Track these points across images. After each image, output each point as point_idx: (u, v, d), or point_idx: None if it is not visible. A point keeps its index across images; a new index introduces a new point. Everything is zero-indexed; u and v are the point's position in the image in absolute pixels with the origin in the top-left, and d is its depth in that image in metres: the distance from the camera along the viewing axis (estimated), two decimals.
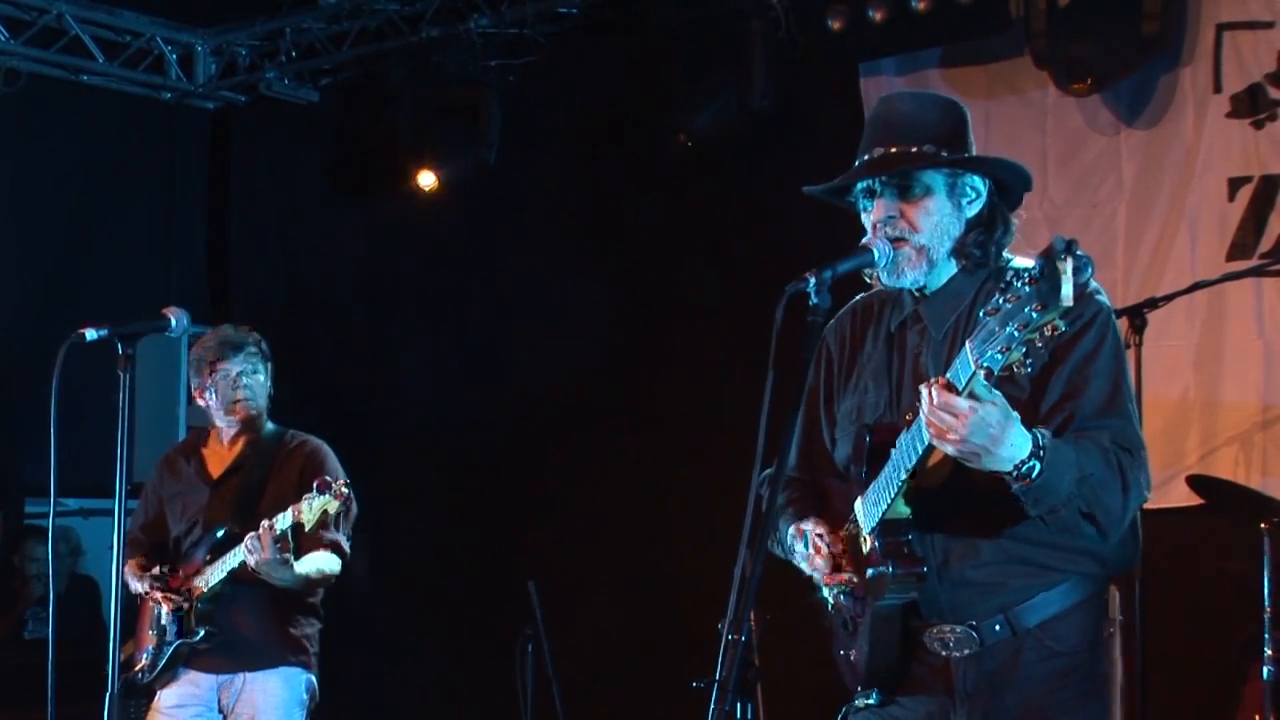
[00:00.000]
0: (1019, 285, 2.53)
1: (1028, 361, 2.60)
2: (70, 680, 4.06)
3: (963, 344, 2.68)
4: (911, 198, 3.08)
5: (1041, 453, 2.80)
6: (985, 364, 2.59)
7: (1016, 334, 2.53)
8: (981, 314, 2.61)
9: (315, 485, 4.77)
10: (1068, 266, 2.47)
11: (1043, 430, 2.84)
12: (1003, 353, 2.56)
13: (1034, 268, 2.51)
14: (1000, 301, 2.56)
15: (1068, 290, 2.47)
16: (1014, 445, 2.78)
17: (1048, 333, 2.53)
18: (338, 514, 4.95)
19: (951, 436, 2.74)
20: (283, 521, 4.80)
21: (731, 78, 6.65)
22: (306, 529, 4.81)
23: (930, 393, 2.74)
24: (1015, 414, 2.78)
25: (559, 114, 7.67)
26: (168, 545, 5.26)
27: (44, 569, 7.74)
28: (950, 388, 2.73)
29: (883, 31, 6.28)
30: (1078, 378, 2.98)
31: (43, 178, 8.02)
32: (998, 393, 2.75)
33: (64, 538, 7.72)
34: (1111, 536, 2.96)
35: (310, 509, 4.75)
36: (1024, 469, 2.80)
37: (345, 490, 4.79)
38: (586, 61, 7.46)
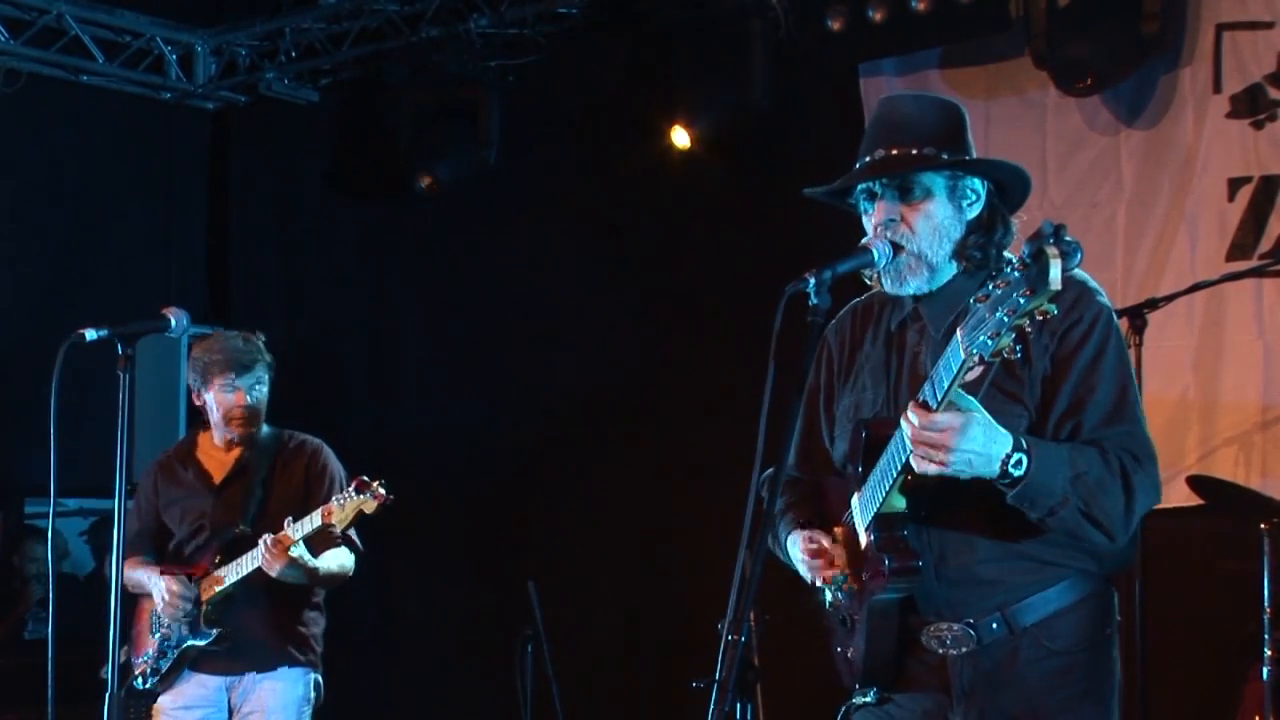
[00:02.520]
0: (1008, 271, 2.54)
1: (1017, 347, 2.62)
2: (70, 680, 4.06)
3: None
4: (912, 200, 3.08)
5: (1025, 445, 2.83)
6: (975, 350, 2.60)
7: (1006, 319, 2.54)
8: (972, 301, 2.62)
9: (354, 485, 4.75)
10: (1055, 251, 2.48)
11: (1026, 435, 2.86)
12: (992, 338, 2.57)
13: (1023, 253, 2.52)
14: (990, 288, 2.57)
15: (1055, 274, 2.48)
16: (999, 443, 2.81)
17: (1038, 317, 2.54)
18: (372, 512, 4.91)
19: (942, 450, 2.77)
20: (305, 527, 4.79)
21: (731, 78, 6.64)
22: (340, 529, 4.82)
23: (909, 418, 2.77)
24: (989, 418, 2.80)
25: (559, 114, 7.67)
26: (165, 551, 5.24)
27: (43, 569, 7.73)
28: (925, 407, 2.75)
29: (882, 32, 6.28)
30: (1082, 387, 2.99)
31: (42, 178, 8.02)
32: (975, 400, 2.77)
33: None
34: (1119, 539, 2.96)
35: (343, 508, 4.73)
36: (1011, 463, 2.82)
37: (383, 491, 4.76)
38: (586, 61, 7.46)
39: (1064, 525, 2.91)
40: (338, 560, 5.05)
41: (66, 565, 7.93)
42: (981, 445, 2.79)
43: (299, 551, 4.84)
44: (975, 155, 3.17)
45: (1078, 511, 2.89)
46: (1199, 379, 5.93)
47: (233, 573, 4.97)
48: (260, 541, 4.84)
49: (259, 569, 4.88)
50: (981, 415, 2.79)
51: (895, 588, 3.02)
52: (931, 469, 2.82)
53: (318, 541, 4.98)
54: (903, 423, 2.81)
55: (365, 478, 4.79)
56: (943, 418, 2.75)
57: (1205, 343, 5.92)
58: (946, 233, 3.09)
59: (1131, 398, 3.03)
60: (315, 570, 4.94)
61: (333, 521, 4.75)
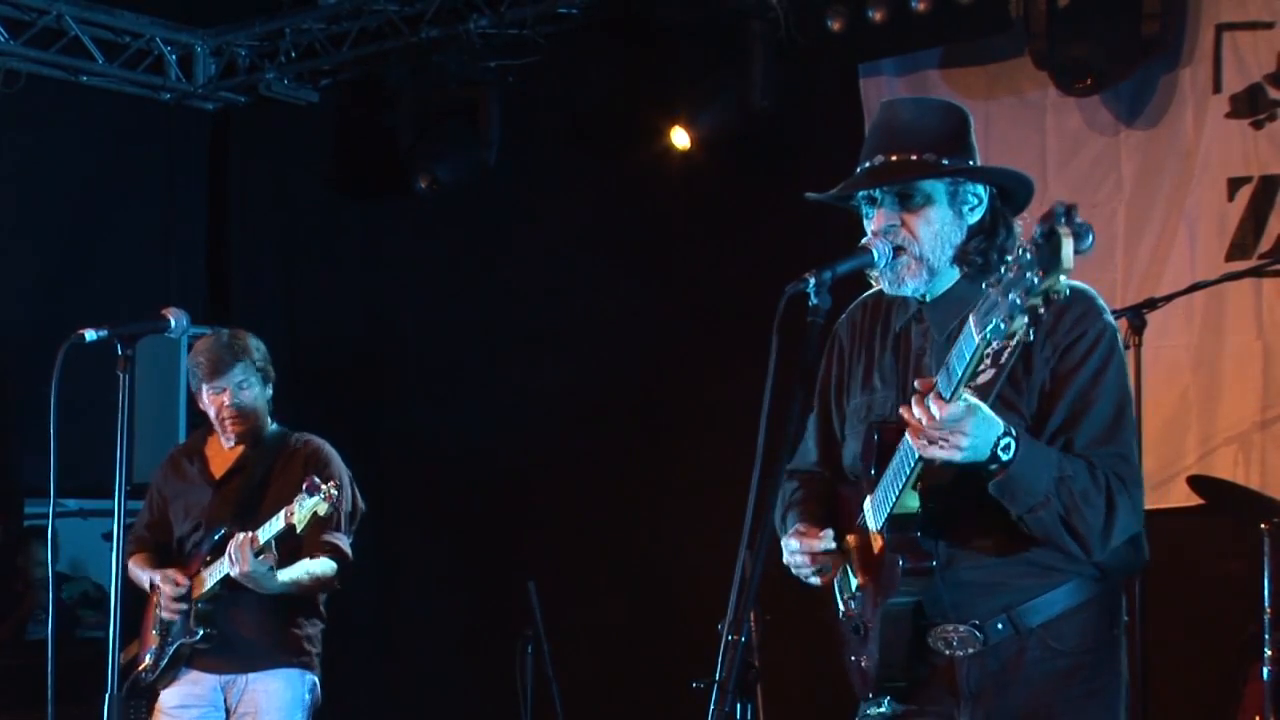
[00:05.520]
0: (1021, 253, 2.54)
1: (1030, 331, 2.60)
2: (70, 680, 4.07)
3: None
4: (912, 206, 3.09)
5: (1015, 431, 2.84)
6: (989, 335, 2.60)
7: (1019, 301, 2.53)
8: (984, 286, 2.62)
9: (305, 487, 4.75)
10: (1067, 230, 2.48)
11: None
12: (1005, 321, 2.56)
13: (1035, 233, 2.52)
14: (1002, 272, 2.57)
15: (1068, 253, 2.48)
16: (991, 427, 2.82)
17: (1052, 298, 2.53)
18: (330, 515, 4.92)
19: (948, 448, 2.78)
20: (270, 528, 4.79)
21: (731, 78, 6.64)
22: (299, 530, 4.80)
23: (928, 409, 2.77)
24: (985, 408, 2.82)
25: (559, 114, 7.67)
26: (172, 545, 5.26)
27: (47, 572, 7.74)
28: (941, 398, 2.76)
29: (882, 32, 6.28)
30: (1079, 403, 2.99)
31: (43, 178, 8.01)
32: (968, 394, 2.78)
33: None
34: (1094, 554, 2.97)
35: (301, 511, 4.73)
36: (1001, 447, 2.82)
37: (335, 492, 4.75)
38: (586, 61, 7.46)
39: (1043, 528, 2.92)
40: (306, 569, 5.01)
41: (69, 566, 7.95)
42: (982, 433, 2.81)
43: (265, 557, 4.81)
44: (978, 158, 3.17)
45: (1058, 517, 2.90)
46: (1199, 379, 5.93)
47: (215, 572, 4.98)
48: (231, 545, 4.83)
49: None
50: (982, 407, 2.81)
51: (909, 589, 3.02)
52: (941, 455, 2.82)
53: (303, 547, 4.97)
54: (915, 409, 2.80)
55: (315, 479, 4.78)
56: (956, 409, 2.75)
57: (1205, 343, 5.92)
58: (947, 238, 3.10)
59: (1126, 420, 3.03)
60: (278, 578, 4.90)
61: (294, 523, 4.74)
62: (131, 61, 8.07)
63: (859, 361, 3.30)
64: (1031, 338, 2.66)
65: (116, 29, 7.97)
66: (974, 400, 2.79)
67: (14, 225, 7.90)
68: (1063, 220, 2.49)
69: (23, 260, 7.94)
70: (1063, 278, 2.50)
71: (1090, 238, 2.52)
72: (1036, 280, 2.50)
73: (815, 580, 3.21)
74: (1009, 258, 2.57)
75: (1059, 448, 2.97)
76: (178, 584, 5.05)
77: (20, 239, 7.94)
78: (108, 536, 7.67)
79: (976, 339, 2.63)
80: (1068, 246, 2.47)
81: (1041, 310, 2.55)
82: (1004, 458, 2.84)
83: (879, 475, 3.04)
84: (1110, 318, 3.08)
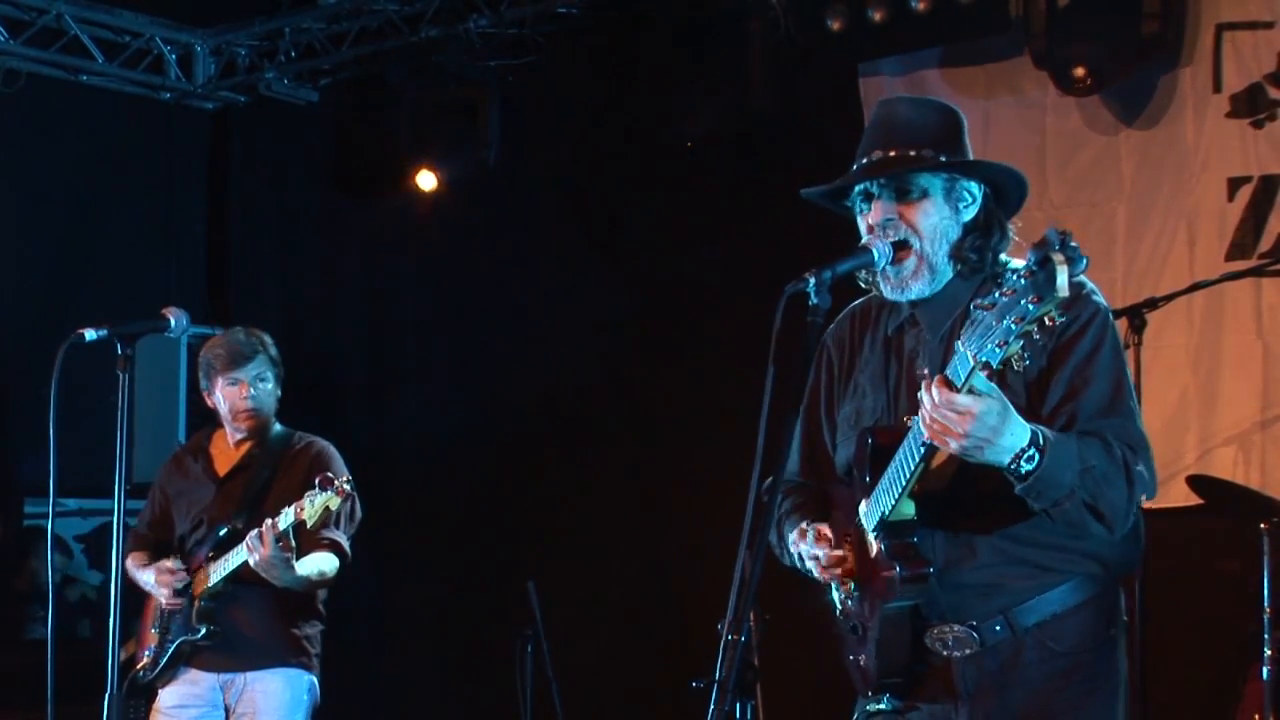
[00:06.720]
0: (1014, 279, 2.54)
1: (1025, 354, 2.61)
2: (70, 680, 4.07)
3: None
4: (909, 200, 3.08)
5: (1041, 441, 2.81)
6: (984, 359, 2.60)
7: (1014, 327, 2.54)
8: (972, 308, 2.62)
9: (317, 482, 4.76)
10: (1061, 257, 2.49)
11: (1043, 427, 2.85)
12: (1000, 347, 2.57)
13: (1029, 260, 2.52)
14: (996, 296, 2.57)
15: (1063, 281, 2.49)
16: (1013, 435, 2.79)
17: (1046, 323, 2.54)
18: (339, 513, 4.94)
19: (955, 430, 2.75)
20: (284, 520, 4.80)
21: (731, 78, 6.65)
22: (309, 526, 4.81)
23: (931, 393, 2.75)
24: (1012, 407, 2.79)
25: (559, 114, 7.67)
26: (173, 543, 5.26)
27: (63, 573, 7.74)
28: (949, 385, 2.74)
29: (882, 31, 6.28)
30: (1077, 379, 2.98)
31: (42, 178, 8.01)
32: (995, 387, 2.76)
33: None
34: (1118, 530, 2.96)
35: (312, 506, 4.74)
36: (1024, 458, 2.80)
37: (347, 488, 4.77)
38: (586, 61, 7.46)
39: (1066, 517, 2.90)
40: (316, 565, 5.03)
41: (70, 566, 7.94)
42: (992, 432, 2.76)
43: (282, 545, 4.82)
44: (972, 158, 3.18)
45: (1082, 504, 2.88)
46: (1198, 379, 5.93)
47: (220, 568, 4.98)
48: (252, 533, 4.83)
49: (244, 565, 4.87)
50: (999, 402, 2.76)
51: (906, 595, 3.02)
52: (951, 444, 2.79)
53: (303, 543, 4.98)
54: (923, 396, 2.78)
55: (329, 475, 4.80)
56: (963, 399, 2.73)
57: (1204, 342, 5.92)
58: (944, 234, 3.10)
59: (1126, 393, 3.03)
60: (297, 572, 4.92)
61: (304, 518, 4.75)
62: (131, 61, 8.08)
63: (848, 371, 3.29)
64: (1029, 361, 2.66)
65: (116, 28, 7.97)
66: (994, 396, 2.74)
67: (14, 225, 7.90)
68: (1057, 247, 2.50)
69: (22, 260, 7.94)
70: (1057, 305, 2.51)
71: (1084, 263, 2.53)
72: (1032, 307, 2.51)
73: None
74: (1001, 282, 2.56)
75: (1062, 422, 2.96)
76: (173, 572, 5.05)
77: (20, 239, 7.94)
78: (80, 538, 7.73)
79: (971, 361, 2.63)
80: (1062, 275, 2.48)
81: (1036, 336, 2.55)
82: (1026, 468, 2.81)
83: (874, 481, 3.03)
84: (1102, 299, 3.08)
